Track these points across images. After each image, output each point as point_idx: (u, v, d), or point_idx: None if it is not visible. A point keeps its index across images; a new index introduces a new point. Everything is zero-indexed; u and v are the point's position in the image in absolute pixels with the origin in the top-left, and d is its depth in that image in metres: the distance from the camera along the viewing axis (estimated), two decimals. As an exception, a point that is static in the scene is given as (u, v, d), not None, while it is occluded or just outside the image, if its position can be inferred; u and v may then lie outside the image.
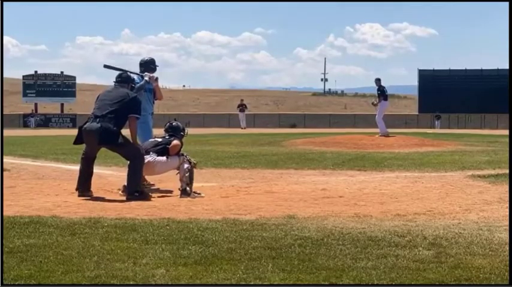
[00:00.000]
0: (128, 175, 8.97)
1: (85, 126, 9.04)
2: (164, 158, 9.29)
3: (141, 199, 8.63)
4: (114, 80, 9.48)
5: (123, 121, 9.01)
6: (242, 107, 50.01)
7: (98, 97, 9.40)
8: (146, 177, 9.74)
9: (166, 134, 9.66)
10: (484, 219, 7.08)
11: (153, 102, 10.71)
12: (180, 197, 8.89)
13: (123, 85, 9.36)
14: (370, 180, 11.19)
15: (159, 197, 9.04)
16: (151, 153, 9.27)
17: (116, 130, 8.86)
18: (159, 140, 9.56)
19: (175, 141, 9.42)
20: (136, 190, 8.84)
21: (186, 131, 9.99)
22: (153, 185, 9.95)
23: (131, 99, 9.13)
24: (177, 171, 9.24)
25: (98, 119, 8.90)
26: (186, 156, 9.37)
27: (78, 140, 9.20)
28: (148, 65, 10.64)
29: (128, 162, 9.13)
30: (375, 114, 24.55)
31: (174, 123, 9.92)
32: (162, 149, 9.35)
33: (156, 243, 5.57)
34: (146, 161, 9.12)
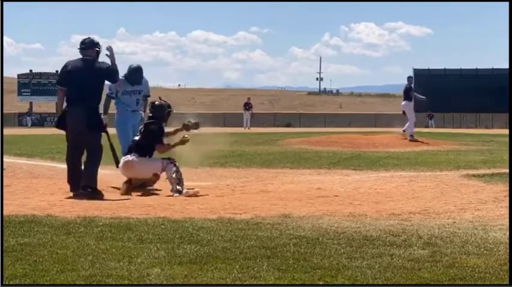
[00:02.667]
0: (86, 168, 8.57)
1: (70, 110, 8.70)
2: (144, 159, 9.11)
3: (92, 196, 8.31)
4: (78, 47, 8.96)
5: (100, 96, 8.76)
6: (248, 105, 48.24)
7: (68, 70, 8.82)
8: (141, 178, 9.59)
9: (147, 118, 9.37)
10: (479, 218, 7.09)
11: (137, 102, 10.49)
12: (174, 195, 8.85)
13: (89, 51, 8.85)
14: (365, 179, 11.20)
15: (153, 195, 9.03)
16: (132, 153, 9.12)
17: (100, 117, 8.66)
18: (136, 138, 9.33)
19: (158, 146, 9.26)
20: (89, 185, 8.48)
21: (171, 108, 9.50)
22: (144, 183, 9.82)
23: (106, 71, 8.80)
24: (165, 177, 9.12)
25: (83, 103, 8.55)
26: (173, 160, 9.22)
27: (60, 123, 8.90)
28: (130, 74, 10.43)
29: (87, 154, 8.75)
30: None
31: (157, 103, 9.48)
32: (143, 150, 9.14)
33: (151, 242, 5.57)
34: (126, 160, 9.00)
